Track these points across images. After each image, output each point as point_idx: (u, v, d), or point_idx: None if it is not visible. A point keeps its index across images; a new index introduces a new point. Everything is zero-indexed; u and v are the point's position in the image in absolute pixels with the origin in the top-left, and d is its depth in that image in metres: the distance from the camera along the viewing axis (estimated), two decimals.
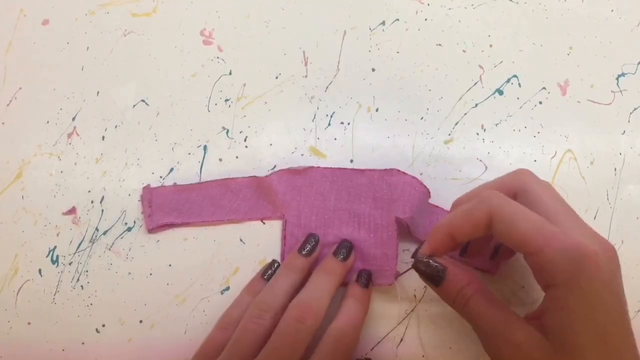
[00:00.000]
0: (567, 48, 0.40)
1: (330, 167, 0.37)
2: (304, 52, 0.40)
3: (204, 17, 0.41)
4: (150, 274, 0.36)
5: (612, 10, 0.41)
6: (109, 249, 0.37)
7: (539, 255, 0.26)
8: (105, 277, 0.36)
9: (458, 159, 0.38)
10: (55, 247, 0.37)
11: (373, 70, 0.40)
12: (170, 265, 0.36)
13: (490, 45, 0.40)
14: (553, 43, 0.40)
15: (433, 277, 0.29)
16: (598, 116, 0.39)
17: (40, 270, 0.37)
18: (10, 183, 0.38)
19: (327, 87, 0.40)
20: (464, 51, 0.40)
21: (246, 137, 0.39)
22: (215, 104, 0.39)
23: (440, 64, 0.40)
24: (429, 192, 0.36)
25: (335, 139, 0.39)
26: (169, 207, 0.37)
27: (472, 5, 0.41)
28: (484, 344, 0.28)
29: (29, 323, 0.36)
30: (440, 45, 0.40)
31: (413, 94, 0.39)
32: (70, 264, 0.37)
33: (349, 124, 0.39)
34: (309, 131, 0.39)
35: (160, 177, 0.38)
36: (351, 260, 0.34)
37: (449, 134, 0.38)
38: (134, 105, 0.40)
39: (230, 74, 0.40)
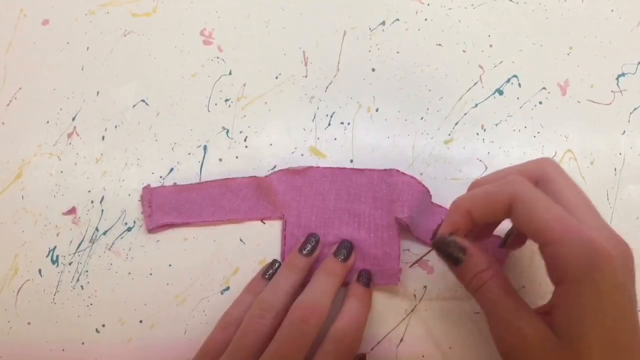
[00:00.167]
0: (567, 48, 0.40)
1: (330, 167, 0.37)
2: (304, 52, 0.40)
3: (204, 17, 0.41)
4: (150, 274, 0.36)
5: (612, 10, 0.41)
6: (109, 249, 0.37)
7: (555, 247, 0.25)
8: (105, 277, 0.36)
9: (458, 159, 0.38)
10: (55, 247, 0.37)
11: (373, 70, 0.40)
12: (170, 265, 0.36)
13: (490, 45, 0.40)
14: (553, 43, 0.40)
15: (453, 256, 0.28)
16: (598, 116, 0.39)
17: (40, 270, 0.37)
18: (10, 183, 0.38)
19: (327, 87, 0.40)
20: (464, 51, 0.40)
21: (246, 137, 0.39)
22: (215, 104, 0.39)
23: (440, 64, 0.40)
24: (429, 192, 0.36)
25: (335, 139, 0.39)
26: (169, 207, 0.37)
27: (472, 5, 0.41)
28: (492, 330, 0.28)
29: (29, 323, 0.36)
30: (440, 45, 0.40)
31: (413, 94, 0.39)
32: (70, 264, 0.37)
33: (349, 124, 0.39)
34: (309, 131, 0.39)
35: (160, 177, 0.38)
36: (352, 260, 0.34)
37: (449, 134, 0.38)
38: (134, 105, 0.40)
39: (230, 74, 0.40)
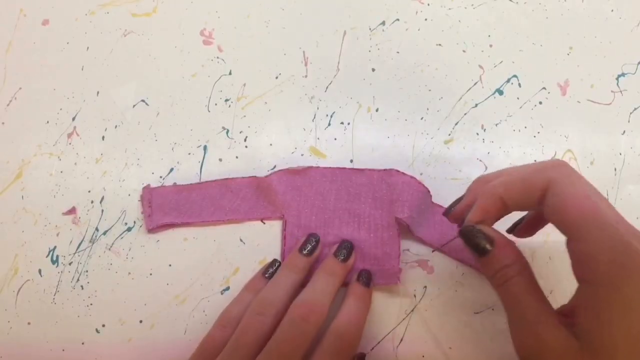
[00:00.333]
0: (567, 48, 0.40)
1: (330, 167, 0.37)
2: (304, 52, 0.40)
3: (204, 17, 0.41)
4: (150, 274, 0.36)
5: (612, 10, 0.41)
6: (109, 249, 0.37)
7: (587, 244, 0.24)
8: (105, 277, 0.36)
9: (458, 159, 0.38)
10: (55, 247, 0.37)
11: (373, 70, 0.40)
12: (170, 265, 0.36)
13: (490, 45, 0.40)
14: (553, 43, 0.40)
15: (479, 247, 0.27)
16: (598, 116, 0.39)
17: (40, 270, 0.37)
18: (10, 183, 0.38)
19: (327, 87, 0.40)
20: (464, 51, 0.40)
21: (246, 137, 0.39)
22: (215, 104, 0.39)
23: (440, 64, 0.40)
24: (429, 192, 0.36)
25: (335, 139, 0.39)
26: (169, 207, 0.37)
27: (472, 5, 0.41)
28: (511, 329, 0.26)
29: (29, 323, 0.36)
30: (440, 45, 0.40)
31: (413, 94, 0.39)
32: (70, 264, 0.37)
33: (349, 124, 0.39)
34: (309, 131, 0.39)
35: (160, 177, 0.38)
36: (352, 260, 0.34)
37: (449, 134, 0.38)
38: (134, 105, 0.40)
39: (230, 74, 0.40)
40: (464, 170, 0.38)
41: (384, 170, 0.36)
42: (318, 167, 0.37)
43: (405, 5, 0.41)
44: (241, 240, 0.37)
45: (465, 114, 0.39)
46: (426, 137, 0.38)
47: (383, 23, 0.41)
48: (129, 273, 0.36)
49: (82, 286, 0.36)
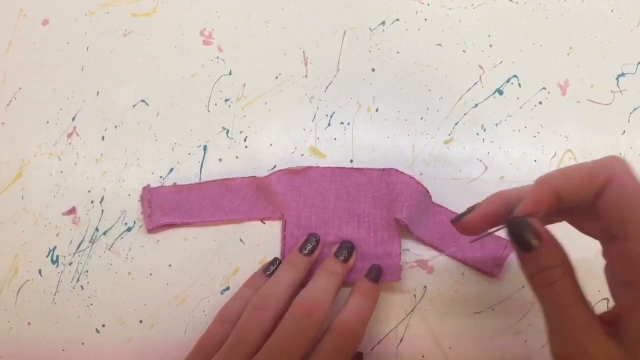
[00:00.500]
0: (567, 48, 0.40)
1: (329, 167, 0.37)
2: (304, 52, 0.40)
3: (204, 17, 0.41)
4: (150, 274, 0.36)
5: (612, 10, 0.41)
6: (109, 249, 0.37)
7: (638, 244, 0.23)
8: (105, 277, 0.36)
9: (458, 159, 0.38)
10: (55, 247, 0.37)
11: (373, 70, 0.40)
12: (170, 265, 0.36)
13: (490, 45, 0.40)
14: (553, 43, 0.40)
15: (524, 241, 0.25)
16: (598, 116, 0.39)
17: (40, 271, 0.37)
18: (10, 183, 0.38)
19: (327, 87, 0.40)
20: (464, 51, 0.40)
21: (246, 137, 0.39)
22: (215, 104, 0.39)
23: (440, 64, 0.40)
24: (429, 192, 0.36)
25: (335, 139, 0.39)
26: (169, 207, 0.37)
27: (472, 5, 0.41)
28: (550, 336, 0.25)
29: (29, 323, 0.36)
30: (440, 45, 0.40)
31: (413, 94, 0.39)
32: (70, 264, 0.37)
33: (349, 124, 0.39)
34: (309, 131, 0.39)
35: (160, 177, 0.38)
36: (352, 261, 0.34)
37: (449, 134, 0.38)
38: (134, 105, 0.40)
39: (230, 74, 0.40)
40: (464, 170, 0.38)
41: (383, 169, 0.36)
42: (317, 167, 0.37)
43: (405, 5, 0.41)
44: (241, 240, 0.37)
45: (465, 114, 0.39)
46: (426, 137, 0.38)
47: (383, 23, 0.41)
48: (129, 273, 0.36)
49: (82, 286, 0.36)
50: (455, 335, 0.35)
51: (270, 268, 0.35)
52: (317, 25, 0.41)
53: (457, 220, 0.28)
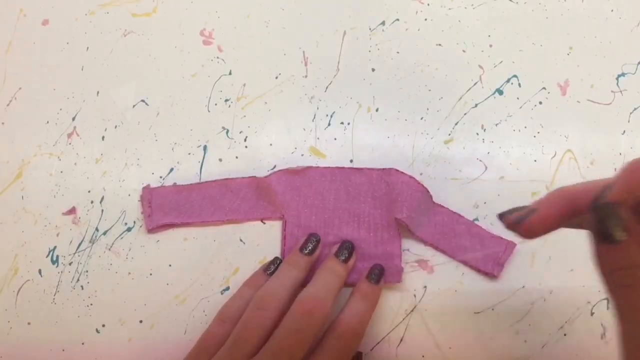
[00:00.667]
0: (567, 48, 0.40)
1: (329, 167, 0.37)
2: (304, 52, 0.40)
3: (204, 17, 0.41)
4: (150, 274, 0.36)
5: (612, 10, 0.41)
6: (109, 249, 0.37)
7: None
8: (105, 277, 0.36)
9: (458, 159, 0.38)
10: (55, 247, 0.37)
11: (373, 70, 0.40)
12: (170, 265, 0.36)
13: (490, 45, 0.40)
14: (553, 43, 0.40)
15: (609, 232, 0.21)
16: (598, 116, 0.39)
17: (40, 271, 0.37)
18: (10, 183, 0.38)
19: (327, 87, 0.40)
20: (464, 51, 0.40)
21: (246, 137, 0.39)
22: (215, 104, 0.39)
23: (440, 64, 0.40)
24: (429, 192, 0.36)
25: (335, 139, 0.39)
26: (169, 207, 0.37)
27: (472, 5, 0.41)
28: (624, 340, 0.22)
29: (29, 323, 0.36)
30: (440, 45, 0.40)
31: (413, 94, 0.39)
32: (70, 264, 0.37)
33: (349, 124, 0.39)
34: (309, 131, 0.39)
35: (160, 177, 0.38)
36: (353, 261, 0.34)
37: (449, 134, 0.38)
38: (134, 105, 0.40)
39: (230, 74, 0.40)
40: (464, 170, 0.38)
41: (383, 169, 0.36)
42: (317, 167, 0.37)
43: (405, 5, 0.41)
44: (241, 240, 0.37)
45: (465, 114, 0.39)
46: (426, 137, 0.38)
47: (383, 23, 0.41)
48: (129, 273, 0.36)
49: (82, 286, 0.36)
50: (455, 335, 0.35)
51: (271, 267, 0.34)
52: (317, 25, 0.41)
53: (518, 223, 0.24)
